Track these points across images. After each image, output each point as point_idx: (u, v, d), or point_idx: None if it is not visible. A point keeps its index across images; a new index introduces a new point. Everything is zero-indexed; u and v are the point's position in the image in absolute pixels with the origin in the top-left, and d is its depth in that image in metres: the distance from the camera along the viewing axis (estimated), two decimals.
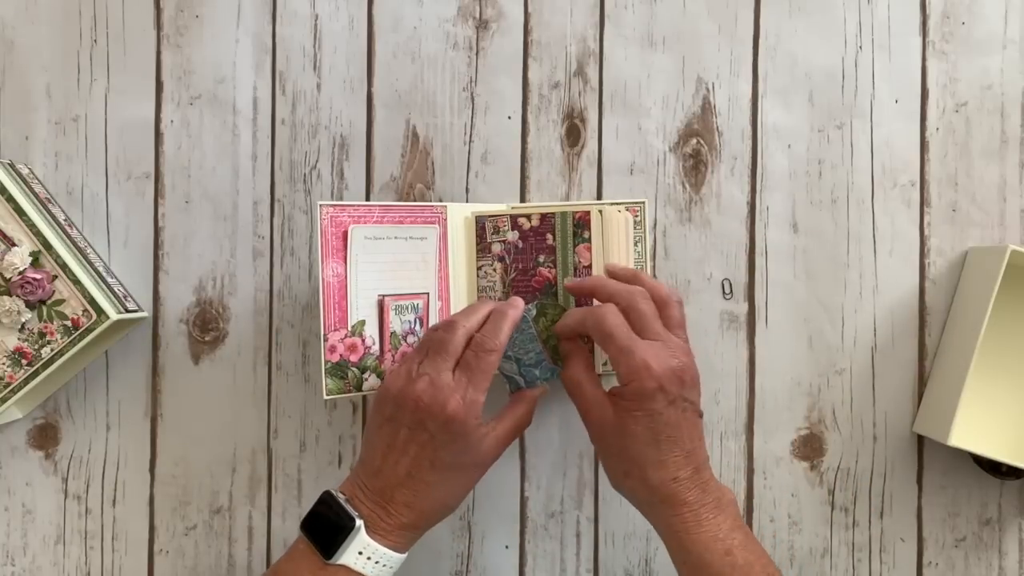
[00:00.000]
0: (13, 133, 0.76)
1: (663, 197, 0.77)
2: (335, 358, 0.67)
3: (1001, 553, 0.76)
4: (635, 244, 0.74)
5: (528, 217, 0.71)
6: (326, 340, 0.67)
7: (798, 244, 0.77)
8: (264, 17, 0.76)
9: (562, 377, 0.66)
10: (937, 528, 0.76)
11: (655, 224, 0.76)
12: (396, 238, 0.69)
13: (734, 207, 0.77)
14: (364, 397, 0.75)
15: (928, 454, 0.77)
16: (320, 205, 0.66)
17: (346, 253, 0.67)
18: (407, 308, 0.69)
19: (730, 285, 0.76)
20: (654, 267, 0.76)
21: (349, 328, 0.67)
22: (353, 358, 0.68)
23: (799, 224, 0.77)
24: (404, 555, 0.62)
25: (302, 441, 0.76)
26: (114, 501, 0.76)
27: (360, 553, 0.60)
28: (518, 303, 0.65)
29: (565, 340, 0.67)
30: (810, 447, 0.77)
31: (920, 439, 0.77)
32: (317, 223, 0.67)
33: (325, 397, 0.67)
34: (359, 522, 0.60)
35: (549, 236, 0.70)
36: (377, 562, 0.61)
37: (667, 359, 0.61)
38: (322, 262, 0.66)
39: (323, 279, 0.66)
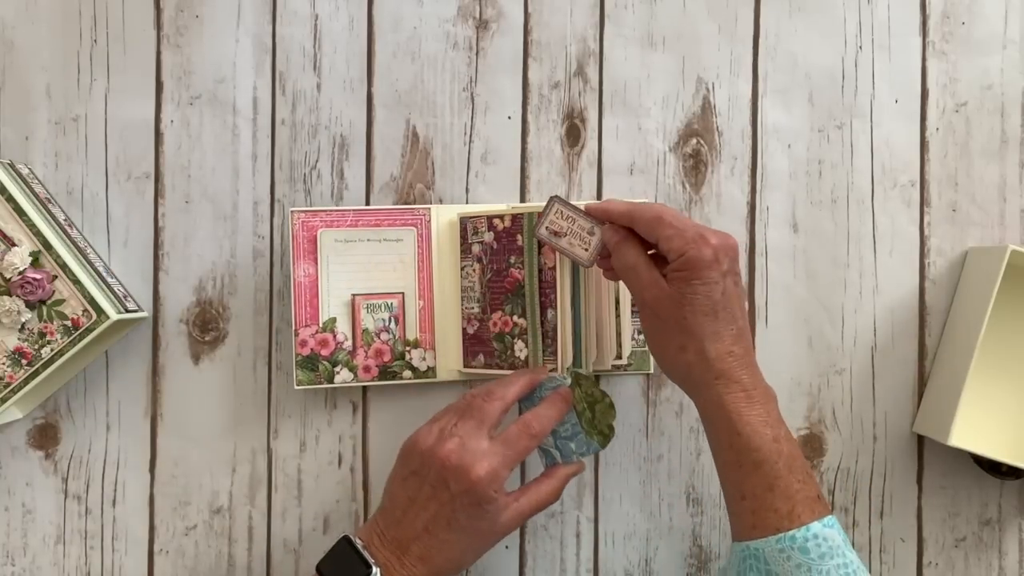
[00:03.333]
0: (13, 133, 0.76)
1: (663, 197, 0.77)
2: (306, 351, 0.73)
3: (1001, 553, 0.76)
4: None
5: (502, 218, 0.71)
6: (297, 335, 0.72)
7: (798, 244, 0.77)
8: (264, 17, 0.76)
9: (614, 264, 0.65)
10: (937, 528, 0.76)
11: None
12: (370, 240, 0.73)
13: (734, 207, 0.77)
14: (365, 396, 0.75)
15: (928, 454, 0.77)
16: (291, 211, 0.72)
17: (317, 255, 0.73)
18: (380, 307, 0.73)
19: None
20: None
21: (320, 324, 0.72)
22: (324, 352, 0.73)
23: (799, 224, 0.77)
24: None
25: (302, 441, 0.76)
26: (114, 501, 0.76)
27: None
28: (566, 392, 0.67)
29: (611, 229, 0.65)
30: (810, 447, 0.77)
31: (920, 439, 0.77)
32: (290, 228, 0.72)
33: (296, 387, 0.72)
34: (376, 569, 0.61)
35: (519, 237, 0.71)
36: None
37: (714, 234, 0.61)
38: (294, 263, 0.72)
39: (294, 279, 0.72)
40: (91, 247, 0.75)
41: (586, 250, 0.66)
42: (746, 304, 0.63)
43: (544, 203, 0.67)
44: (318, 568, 0.63)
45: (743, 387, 0.61)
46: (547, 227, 0.67)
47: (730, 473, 0.61)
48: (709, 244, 0.60)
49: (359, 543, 0.62)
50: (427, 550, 0.62)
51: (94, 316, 0.69)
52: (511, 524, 0.64)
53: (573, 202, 0.67)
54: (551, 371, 0.69)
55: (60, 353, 0.70)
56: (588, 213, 0.66)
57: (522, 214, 0.71)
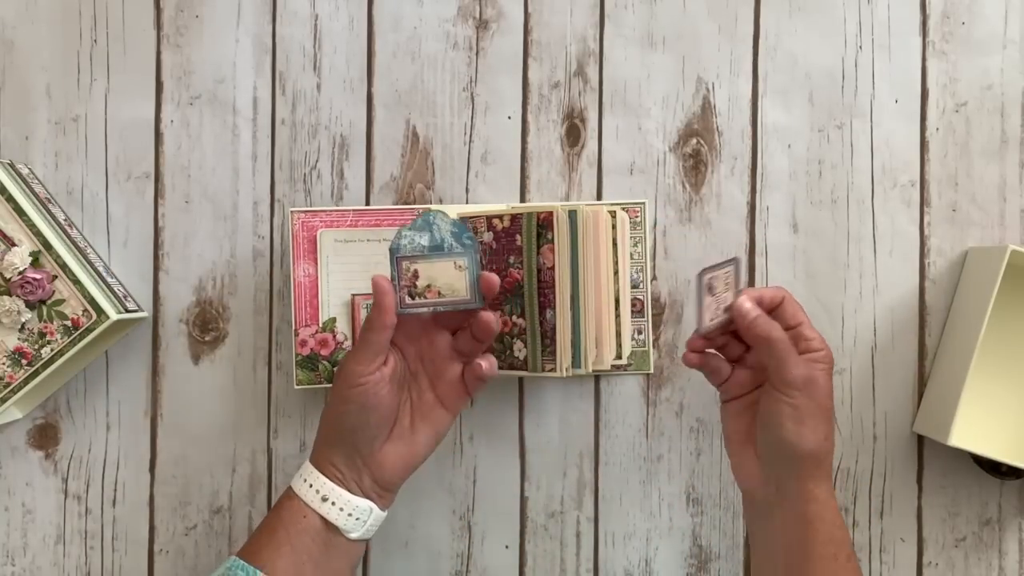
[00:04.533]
0: (13, 133, 0.76)
1: (663, 197, 0.77)
2: (306, 351, 0.73)
3: (1001, 553, 0.76)
4: (635, 245, 0.74)
5: (501, 218, 0.71)
6: (297, 335, 0.72)
7: (798, 244, 0.77)
8: (264, 17, 0.76)
9: (758, 328, 0.62)
10: (937, 528, 0.76)
11: (655, 224, 0.76)
12: (370, 240, 0.73)
13: (734, 207, 0.77)
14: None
15: (928, 454, 0.77)
16: (291, 212, 0.72)
17: (316, 255, 0.73)
18: None
19: None
20: (654, 267, 0.76)
21: (320, 324, 0.72)
22: (324, 352, 0.73)
23: (799, 224, 0.77)
24: (368, 504, 0.63)
25: (302, 441, 0.76)
26: (114, 501, 0.76)
27: (304, 480, 0.63)
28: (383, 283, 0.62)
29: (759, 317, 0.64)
30: None
31: (920, 439, 0.77)
32: (290, 228, 0.72)
33: (296, 387, 0.73)
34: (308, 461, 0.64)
35: (518, 237, 0.71)
36: (341, 509, 0.62)
37: (821, 343, 0.64)
38: (294, 263, 0.72)
39: (294, 279, 0.72)
40: (91, 247, 0.75)
41: (711, 319, 0.64)
42: None
43: (541, 207, 0.67)
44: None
45: (830, 481, 0.64)
46: (709, 278, 0.64)
47: (822, 568, 0.61)
48: (830, 355, 0.63)
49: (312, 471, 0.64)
50: (354, 448, 0.63)
51: (94, 316, 0.69)
52: (390, 394, 0.63)
53: (537, 203, 0.65)
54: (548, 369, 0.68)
55: (60, 353, 0.70)
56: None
57: (521, 214, 0.71)
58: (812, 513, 0.62)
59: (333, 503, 0.62)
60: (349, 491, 0.63)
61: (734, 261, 0.64)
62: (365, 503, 0.63)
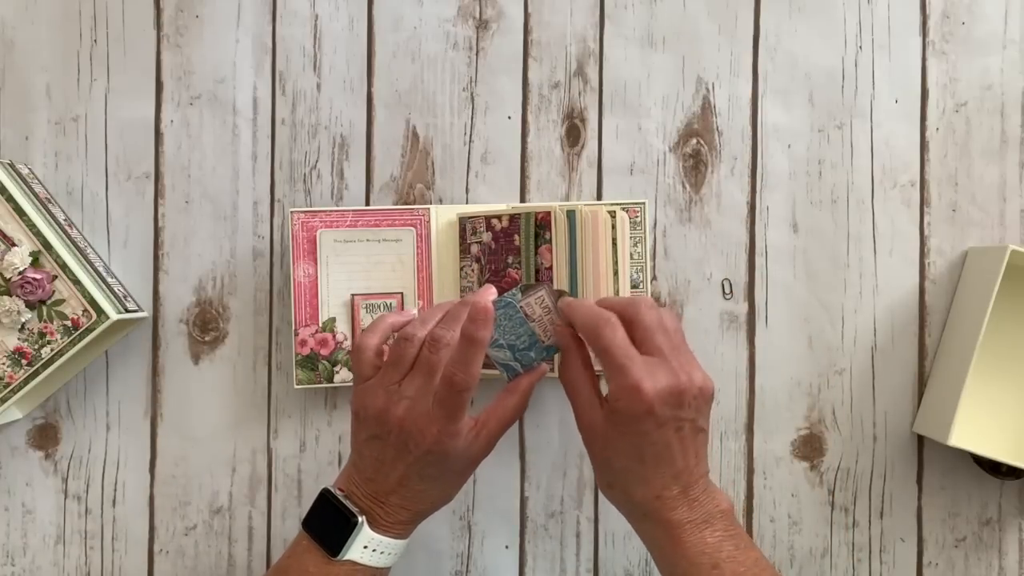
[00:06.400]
0: (13, 133, 0.76)
1: (663, 197, 0.77)
2: (305, 351, 0.73)
3: (1001, 553, 0.76)
4: (635, 245, 0.74)
5: (499, 218, 0.71)
6: (297, 335, 0.73)
7: (798, 244, 0.77)
8: (264, 17, 0.76)
9: (559, 375, 0.63)
10: (937, 528, 0.76)
11: (655, 224, 0.76)
12: (369, 240, 0.73)
13: (734, 207, 0.77)
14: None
15: (928, 454, 0.77)
16: (291, 212, 0.73)
17: (316, 255, 0.73)
18: (379, 307, 0.74)
19: (730, 285, 0.76)
20: (654, 267, 0.76)
21: (320, 324, 0.73)
22: (324, 352, 0.73)
23: (799, 224, 0.77)
24: (406, 540, 0.63)
25: (302, 441, 0.76)
26: (114, 501, 0.76)
27: (365, 547, 0.61)
28: (486, 314, 0.59)
29: (562, 331, 0.63)
30: (810, 447, 0.77)
31: (920, 439, 0.77)
32: (290, 228, 0.73)
33: (295, 387, 0.73)
34: (361, 519, 0.60)
35: (516, 237, 0.71)
36: (382, 553, 0.61)
37: (664, 378, 0.57)
38: (293, 263, 0.73)
39: (294, 279, 0.73)
40: (91, 247, 0.75)
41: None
42: (703, 440, 0.60)
43: (539, 207, 0.67)
44: (304, 524, 0.62)
45: (674, 525, 0.58)
46: (523, 306, 0.63)
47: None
48: (643, 398, 0.56)
49: (340, 494, 0.62)
50: (405, 499, 0.61)
51: (94, 316, 0.69)
52: (483, 451, 0.62)
53: (536, 203, 0.65)
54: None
55: (60, 353, 0.70)
56: (562, 311, 0.63)
57: (519, 215, 0.71)
58: (646, 544, 0.61)
59: (374, 550, 0.61)
60: (387, 532, 0.61)
61: (541, 285, 0.63)
62: (401, 543, 0.62)
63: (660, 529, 0.58)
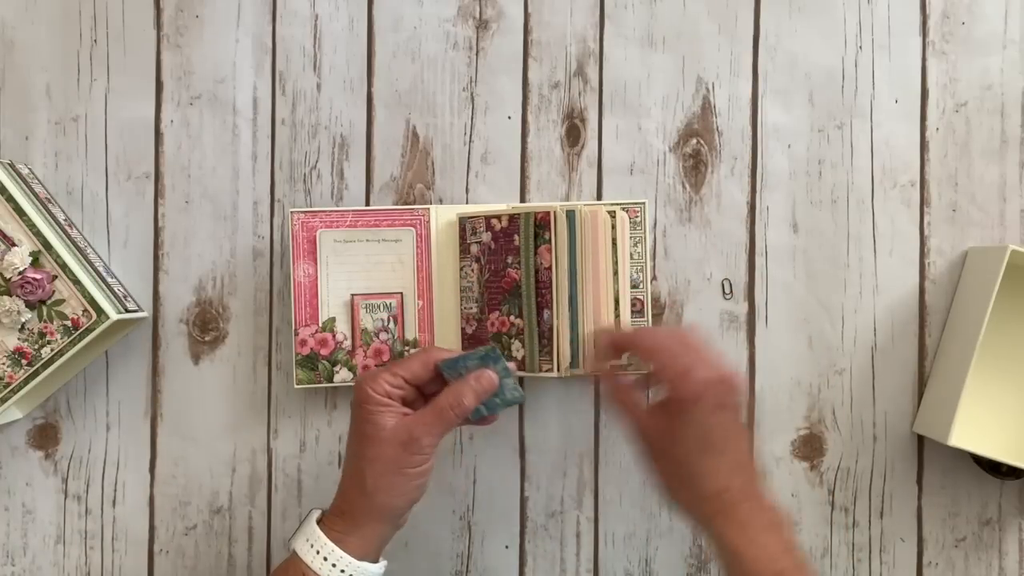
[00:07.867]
0: (13, 133, 0.76)
1: (663, 197, 0.77)
2: (305, 351, 0.73)
3: (1001, 553, 0.76)
4: (635, 245, 0.74)
5: (499, 218, 0.71)
6: (297, 335, 0.73)
7: (798, 244, 0.77)
8: (264, 17, 0.76)
9: (608, 402, 0.66)
10: (937, 528, 0.76)
11: (655, 224, 0.76)
12: (368, 240, 0.73)
13: (734, 207, 0.77)
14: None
15: (928, 454, 0.77)
16: (291, 212, 0.73)
17: (316, 255, 0.73)
18: (379, 307, 0.73)
19: (730, 285, 0.76)
20: (654, 267, 0.76)
21: (320, 324, 0.73)
22: (324, 352, 0.73)
23: (799, 224, 0.77)
24: (364, 563, 0.62)
25: (302, 441, 0.76)
26: (114, 501, 0.76)
27: (312, 546, 0.61)
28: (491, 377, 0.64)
29: (598, 364, 0.68)
30: (810, 447, 0.77)
31: (920, 439, 0.77)
32: (290, 228, 0.73)
33: (296, 387, 0.73)
34: (314, 511, 0.63)
35: (516, 237, 0.71)
36: (331, 562, 0.61)
37: (706, 368, 0.61)
38: (293, 263, 0.73)
39: (294, 279, 0.73)
40: (91, 247, 0.75)
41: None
42: (747, 437, 0.64)
43: (539, 207, 0.67)
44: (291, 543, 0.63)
45: (742, 524, 0.60)
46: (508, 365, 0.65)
47: None
48: (692, 380, 0.60)
49: (315, 516, 0.63)
50: (368, 509, 0.62)
51: (94, 316, 0.69)
52: (410, 435, 0.61)
53: (536, 204, 0.66)
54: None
55: (60, 353, 0.70)
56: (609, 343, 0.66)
57: (519, 215, 0.71)
58: (715, 551, 0.62)
59: (319, 552, 0.61)
60: (368, 559, 0.62)
61: (498, 352, 0.64)
62: (379, 567, 0.63)
63: (728, 530, 0.60)
